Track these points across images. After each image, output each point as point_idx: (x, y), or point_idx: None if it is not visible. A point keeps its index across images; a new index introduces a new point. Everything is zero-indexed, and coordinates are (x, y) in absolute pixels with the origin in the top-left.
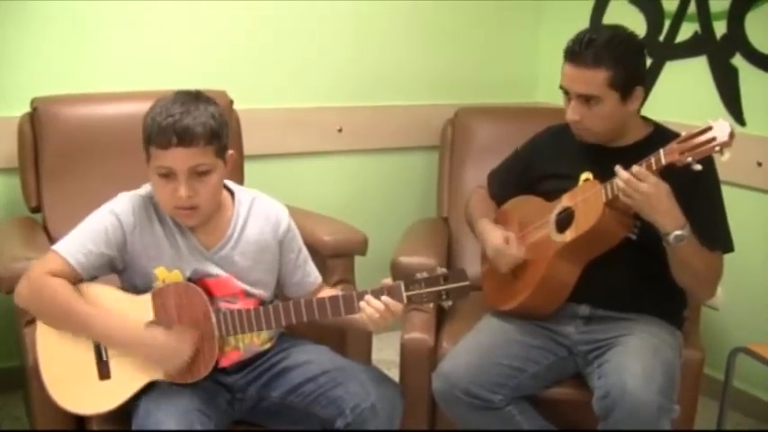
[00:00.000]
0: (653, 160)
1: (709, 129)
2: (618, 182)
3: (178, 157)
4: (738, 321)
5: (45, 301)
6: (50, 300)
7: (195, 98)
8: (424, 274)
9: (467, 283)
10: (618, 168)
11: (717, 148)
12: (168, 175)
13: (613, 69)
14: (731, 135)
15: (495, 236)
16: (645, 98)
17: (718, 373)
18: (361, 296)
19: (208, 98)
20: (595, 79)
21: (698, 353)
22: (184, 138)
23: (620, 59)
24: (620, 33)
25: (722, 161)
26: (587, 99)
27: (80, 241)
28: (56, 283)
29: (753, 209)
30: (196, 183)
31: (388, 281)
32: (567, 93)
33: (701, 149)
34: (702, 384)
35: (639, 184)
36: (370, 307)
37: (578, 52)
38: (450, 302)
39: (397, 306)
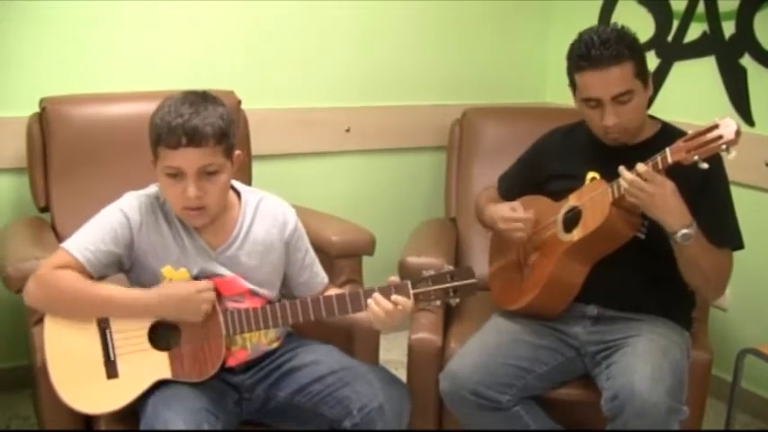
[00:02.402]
0: (659, 159)
1: (716, 127)
2: (623, 181)
3: (187, 158)
4: (747, 322)
5: (54, 292)
6: (60, 288)
7: (203, 98)
8: (431, 272)
9: (474, 280)
10: (621, 169)
11: (723, 147)
12: (177, 175)
13: (633, 59)
14: (737, 133)
15: (500, 208)
16: (653, 98)
17: (726, 374)
18: (368, 294)
19: (215, 98)
20: (625, 73)
21: (706, 354)
22: (194, 138)
23: (633, 48)
24: (617, 28)
25: (729, 159)
26: (620, 97)
27: (89, 239)
28: (64, 273)
29: (760, 209)
30: (205, 183)
31: (395, 278)
32: (593, 101)
33: (708, 148)
34: (710, 385)
35: (645, 184)
36: (377, 306)
37: (598, 55)
38: (457, 300)
39: (407, 303)
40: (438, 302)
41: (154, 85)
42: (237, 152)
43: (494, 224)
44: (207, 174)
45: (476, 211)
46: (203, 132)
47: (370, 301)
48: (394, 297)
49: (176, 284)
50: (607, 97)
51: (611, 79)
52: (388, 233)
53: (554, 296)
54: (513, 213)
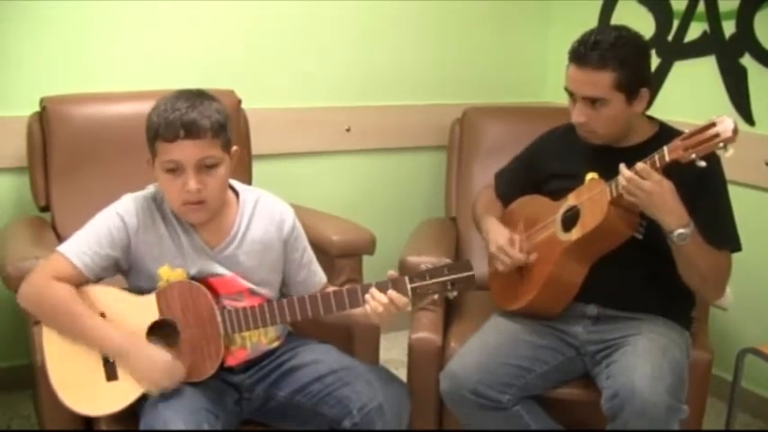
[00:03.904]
0: (657, 157)
1: (713, 125)
2: (621, 180)
3: (186, 150)
4: (747, 322)
5: (47, 307)
6: (53, 306)
7: (198, 95)
8: (429, 266)
9: (471, 272)
10: (621, 167)
11: (720, 144)
12: (176, 169)
13: (619, 71)
14: (735, 131)
15: (500, 234)
16: (653, 98)
17: (726, 373)
18: (365, 289)
19: (210, 95)
20: (601, 81)
21: (706, 353)
22: (192, 130)
23: (626, 61)
24: (625, 34)
25: (726, 157)
26: (593, 101)
27: (85, 243)
28: (60, 289)
29: (760, 209)
30: (204, 176)
31: (394, 273)
32: (572, 95)
33: (705, 146)
34: (711, 385)
35: (642, 182)
36: (374, 300)
37: (583, 54)
38: (455, 293)
39: (401, 299)
40: (436, 296)
41: (154, 84)
42: (235, 148)
43: (486, 242)
44: (206, 167)
45: (472, 213)
46: (201, 125)
47: (367, 296)
48: (389, 293)
49: (157, 352)
50: (578, 95)
51: (585, 81)
52: (389, 233)
53: (553, 296)
54: (508, 247)
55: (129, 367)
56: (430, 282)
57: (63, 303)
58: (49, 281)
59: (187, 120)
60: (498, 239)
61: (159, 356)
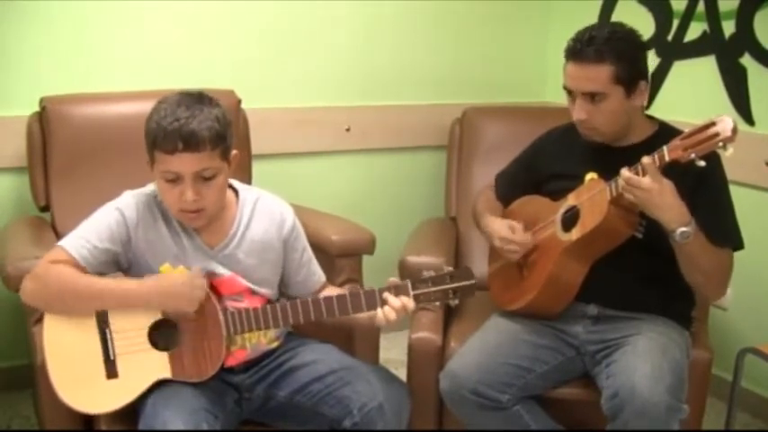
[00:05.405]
0: (656, 157)
1: (713, 124)
2: (621, 180)
3: (184, 162)
4: (747, 322)
5: (51, 286)
6: (56, 282)
7: (199, 100)
8: (431, 273)
9: (473, 281)
10: (623, 170)
11: (720, 144)
12: (174, 179)
13: (616, 64)
14: (734, 130)
15: (499, 226)
16: (652, 97)
17: (726, 373)
18: (368, 294)
19: (211, 99)
20: (599, 75)
21: (706, 353)
22: (190, 143)
23: (623, 54)
24: (619, 29)
25: (726, 156)
26: (592, 96)
27: (85, 237)
28: (59, 267)
29: (760, 208)
30: (202, 186)
31: (395, 279)
32: (570, 92)
33: (705, 145)
34: (710, 385)
35: (642, 181)
36: (389, 305)
37: (580, 50)
38: (456, 301)
39: (411, 304)
40: (438, 303)
41: (154, 84)
42: (234, 152)
43: (490, 239)
44: (204, 178)
45: (473, 214)
46: (200, 137)
47: (386, 298)
48: (402, 298)
49: (170, 275)
50: (578, 92)
51: (584, 76)
52: (388, 232)
53: (553, 296)
54: (510, 235)
55: (164, 305)
56: (432, 289)
57: (66, 276)
58: (48, 265)
59: (186, 132)
60: (499, 231)
61: (175, 281)
